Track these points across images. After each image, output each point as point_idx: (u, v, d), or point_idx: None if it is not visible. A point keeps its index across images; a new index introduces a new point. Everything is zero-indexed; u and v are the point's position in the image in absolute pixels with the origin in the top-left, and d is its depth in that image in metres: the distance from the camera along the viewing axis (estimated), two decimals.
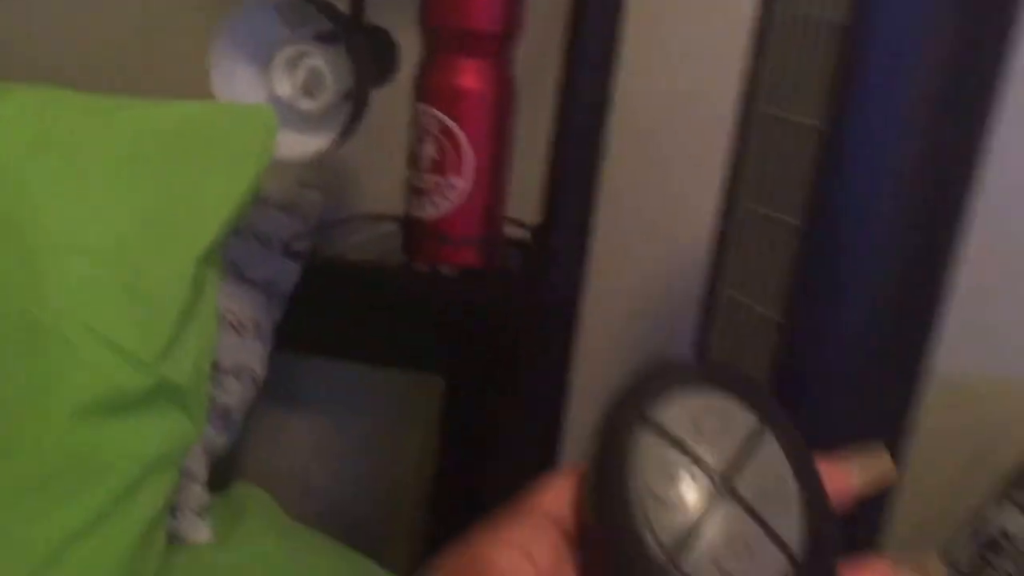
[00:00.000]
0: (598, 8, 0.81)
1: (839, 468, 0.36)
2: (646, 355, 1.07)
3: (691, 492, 0.33)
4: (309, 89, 0.88)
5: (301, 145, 0.86)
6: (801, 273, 0.72)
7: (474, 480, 1.08)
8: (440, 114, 0.78)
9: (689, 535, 0.32)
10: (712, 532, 0.32)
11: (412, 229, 0.82)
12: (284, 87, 0.88)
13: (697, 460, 0.33)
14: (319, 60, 0.86)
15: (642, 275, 1.06)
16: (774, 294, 0.74)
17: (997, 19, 0.70)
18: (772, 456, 0.34)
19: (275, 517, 1.00)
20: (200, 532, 0.91)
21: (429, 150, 0.79)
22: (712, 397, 0.35)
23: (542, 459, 1.02)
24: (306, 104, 0.88)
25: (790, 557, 0.32)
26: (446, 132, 0.78)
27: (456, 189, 0.79)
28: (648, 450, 0.33)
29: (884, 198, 0.72)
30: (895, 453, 0.81)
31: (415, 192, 0.81)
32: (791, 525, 0.33)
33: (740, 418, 0.34)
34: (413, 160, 0.81)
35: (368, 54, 0.86)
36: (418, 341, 1.05)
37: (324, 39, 0.89)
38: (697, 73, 1.00)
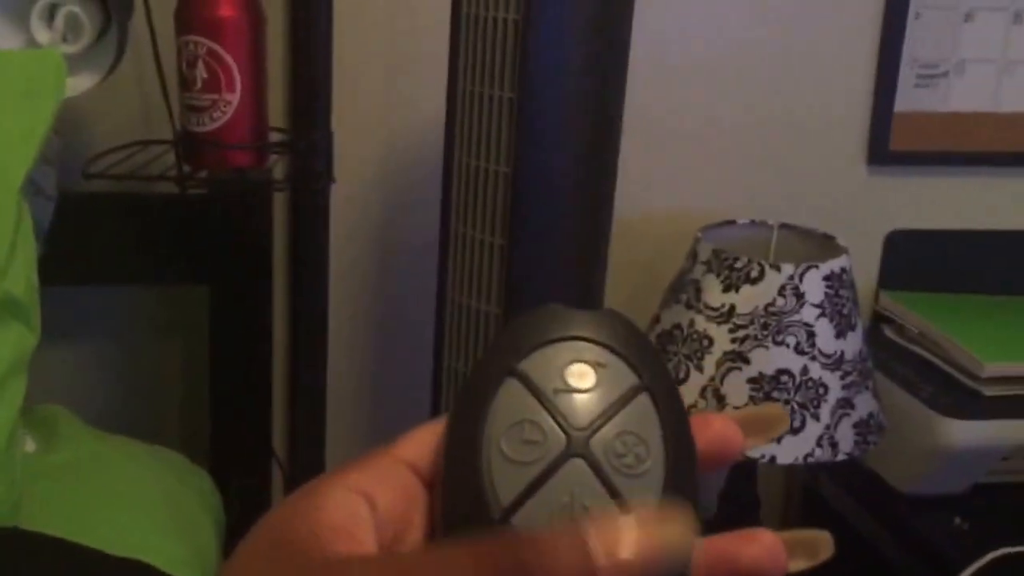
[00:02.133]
0: None
1: (724, 425, 0.34)
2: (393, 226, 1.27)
3: (540, 448, 0.31)
4: (65, 35, 0.99)
5: (70, 86, 0.97)
6: (517, 135, 0.95)
7: (251, 383, 1.23)
8: (207, 41, 0.92)
9: (528, 492, 0.30)
10: (553, 492, 0.30)
11: (193, 142, 0.96)
12: (43, 35, 0.98)
13: (555, 415, 0.31)
14: (75, 7, 0.97)
15: (384, 156, 1.25)
16: (500, 155, 0.96)
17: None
18: (642, 418, 0.32)
19: (83, 426, 1.11)
20: (26, 444, 1.01)
21: (201, 73, 0.93)
22: (590, 351, 0.32)
23: (310, 333, 1.20)
24: (67, 48, 0.98)
25: None
26: (214, 56, 0.93)
27: (231, 103, 0.94)
28: (508, 400, 0.32)
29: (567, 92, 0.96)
30: (596, 282, 1.06)
31: (193, 110, 0.95)
32: (644, 491, 0.31)
33: (616, 375, 0.32)
34: (187, 84, 0.95)
35: None
36: (180, 256, 1.18)
37: None
38: None
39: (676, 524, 0.28)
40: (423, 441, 0.33)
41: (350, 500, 0.31)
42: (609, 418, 0.31)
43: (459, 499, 0.31)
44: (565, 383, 0.32)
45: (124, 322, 1.28)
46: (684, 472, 0.32)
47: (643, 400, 0.32)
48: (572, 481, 0.30)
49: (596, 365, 0.32)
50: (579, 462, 0.31)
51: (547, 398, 0.31)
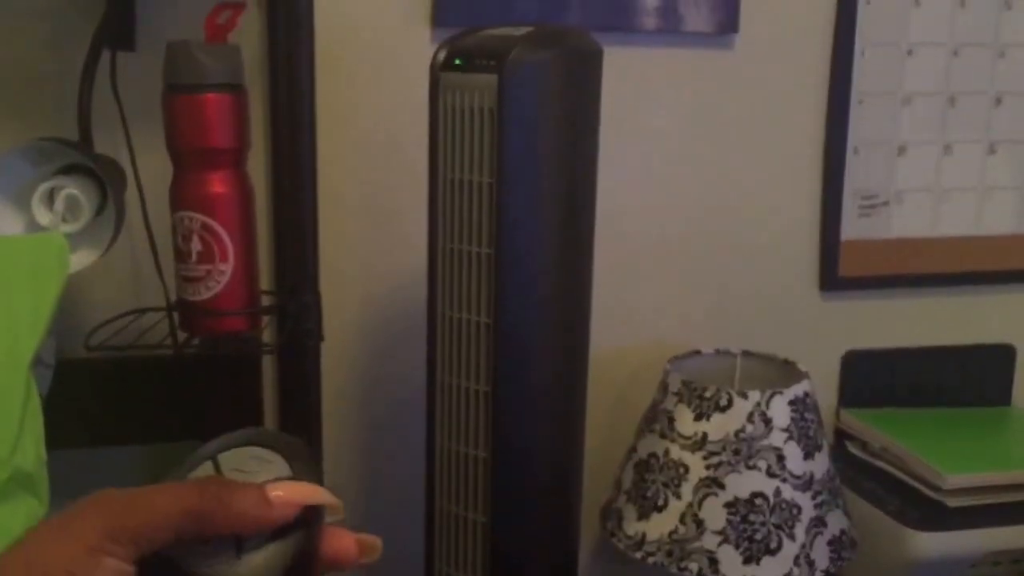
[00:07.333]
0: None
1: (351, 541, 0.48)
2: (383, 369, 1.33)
3: None
4: (65, 215, 1.05)
5: (72, 263, 1.02)
6: (497, 289, 1.01)
7: None
8: (201, 216, 0.99)
9: None
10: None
11: (189, 311, 1.01)
12: (44, 217, 1.03)
13: None
14: (74, 189, 1.03)
15: (371, 309, 1.31)
16: (480, 306, 1.02)
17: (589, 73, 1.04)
18: None
19: None
20: None
21: (196, 246, 0.99)
22: (262, 450, 0.48)
23: None
24: (66, 228, 1.04)
25: (237, 550, 0.45)
26: (208, 230, 0.99)
27: (225, 273, 1.00)
28: (200, 474, 0.46)
29: (540, 239, 1.04)
30: (578, 419, 1.11)
31: (188, 281, 1.01)
32: (258, 541, 0.45)
33: (277, 465, 0.47)
34: (182, 256, 1.00)
35: (117, 176, 1.04)
36: (175, 415, 1.22)
37: (67, 171, 1.06)
38: (384, 138, 1.28)
39: (313, 487, 0.45)
40: None
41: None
42: None
43: None
44: (239, 469, 0.46)
45: (117, 482, 1.30)
46: (306, 528, 0.46)
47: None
48: None
49: (264, 460, 0.47)
50: None
51: (223, 475, 0.46)
